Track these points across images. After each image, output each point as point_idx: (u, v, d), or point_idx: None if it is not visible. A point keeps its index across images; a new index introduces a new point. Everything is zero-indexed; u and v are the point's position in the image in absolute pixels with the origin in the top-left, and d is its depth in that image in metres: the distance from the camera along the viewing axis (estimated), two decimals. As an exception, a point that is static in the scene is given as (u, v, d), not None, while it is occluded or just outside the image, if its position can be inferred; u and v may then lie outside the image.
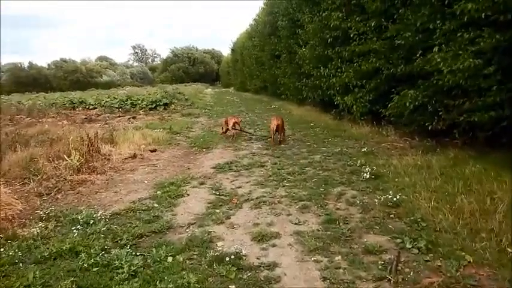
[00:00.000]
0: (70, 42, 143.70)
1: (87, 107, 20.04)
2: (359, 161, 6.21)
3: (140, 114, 16.25)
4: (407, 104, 7.05)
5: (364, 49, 8.79)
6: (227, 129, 9.47)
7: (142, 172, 6.42)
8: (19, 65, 67.66)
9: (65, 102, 21.02)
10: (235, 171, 6.24)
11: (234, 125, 9.32)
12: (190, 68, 75.12)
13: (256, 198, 4.80)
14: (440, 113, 6.62)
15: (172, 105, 18.53)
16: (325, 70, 10.77)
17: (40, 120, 14.89)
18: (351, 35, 9.31)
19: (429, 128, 6.80)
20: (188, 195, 5.09)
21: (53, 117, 16.27)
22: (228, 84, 49.92)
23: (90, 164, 6.66)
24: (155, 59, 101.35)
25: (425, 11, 6.68)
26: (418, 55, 7.00)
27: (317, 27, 11.32)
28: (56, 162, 6.37)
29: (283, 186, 5.28)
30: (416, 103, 6.94)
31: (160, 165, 6.88)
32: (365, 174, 5.37)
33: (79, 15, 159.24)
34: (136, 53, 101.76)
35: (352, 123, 10.17)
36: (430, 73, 6.83)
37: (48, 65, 71.83)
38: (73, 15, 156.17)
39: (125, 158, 7.38)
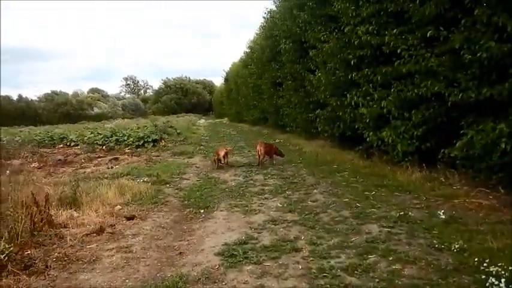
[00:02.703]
0: (61, 75, 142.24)
1: (68, 143, 17.83)
2: (454, 244, 3.87)
3: (125, 154, 13.86)
4: (500, 144, 4.85)
5: (412, 69, 6.69)
6: (219, 160, 9.71)
7: (108, 265, 4.00)
8: (7, 98, 65.22)
9: (45, 139, 18.78)
10: (255, 262, 3.84)
11: (224, 155, 9.75)
12: (183, 99, 73.56)
13: None
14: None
15: (163, 141, 16.22)
16: (350, 98, 8.62)
17: (7, 162, 12.38)
18: (389, 52, 7.26)
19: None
20: (178, 337, 2.71)
21: (26, 157, 13.83)
22: (222, 115, 48.03)
23: (26, 253, 4.27)
24: (147, 90, 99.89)
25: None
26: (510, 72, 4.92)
27: (335, 46, 9.28)
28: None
29: (350, 307, 2.92)
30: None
31: (137, 249, 4.46)
32: (493, 280, 3.04)
33: (70, 48, 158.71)
34: (128, 84, 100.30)
35: (391, 165, 7.90)
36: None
37: (39, 97, 70.24)
38: (64, 47, 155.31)
39: (87, 234, 4.97)
